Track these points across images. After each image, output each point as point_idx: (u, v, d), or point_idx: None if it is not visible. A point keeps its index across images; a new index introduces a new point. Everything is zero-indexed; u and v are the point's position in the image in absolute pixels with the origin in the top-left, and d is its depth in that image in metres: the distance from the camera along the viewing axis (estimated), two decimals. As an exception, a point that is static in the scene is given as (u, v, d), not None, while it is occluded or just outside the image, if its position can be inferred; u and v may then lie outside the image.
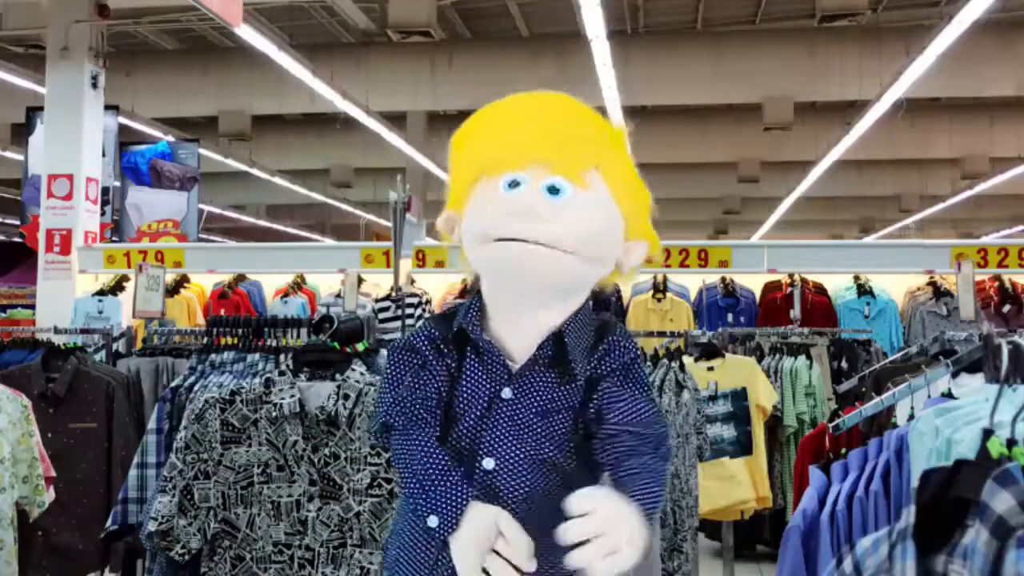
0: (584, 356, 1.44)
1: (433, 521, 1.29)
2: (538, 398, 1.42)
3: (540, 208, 1.33)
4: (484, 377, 1.43)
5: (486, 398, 1.42)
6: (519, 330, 1.44)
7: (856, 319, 6.85)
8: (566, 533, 1.21)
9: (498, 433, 1.40)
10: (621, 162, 1.44)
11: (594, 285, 1.44)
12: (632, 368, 1.47)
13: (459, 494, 1.30)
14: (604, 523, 1.21)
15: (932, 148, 14.44)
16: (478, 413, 1.41)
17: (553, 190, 1.35)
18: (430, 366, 1.44)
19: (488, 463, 1.39)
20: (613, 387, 1.44)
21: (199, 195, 10.81)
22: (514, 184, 1.36)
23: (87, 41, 8.15)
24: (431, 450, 1.36)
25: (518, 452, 1.40)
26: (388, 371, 1.47)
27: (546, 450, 1.41)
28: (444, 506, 1.29)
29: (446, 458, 1.35)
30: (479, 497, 1.35)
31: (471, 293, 1.51)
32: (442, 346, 1.45)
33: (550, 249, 1.33)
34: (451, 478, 1.32)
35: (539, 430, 1.41)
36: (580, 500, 1.23)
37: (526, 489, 1.38)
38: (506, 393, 1.42)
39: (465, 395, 1.43)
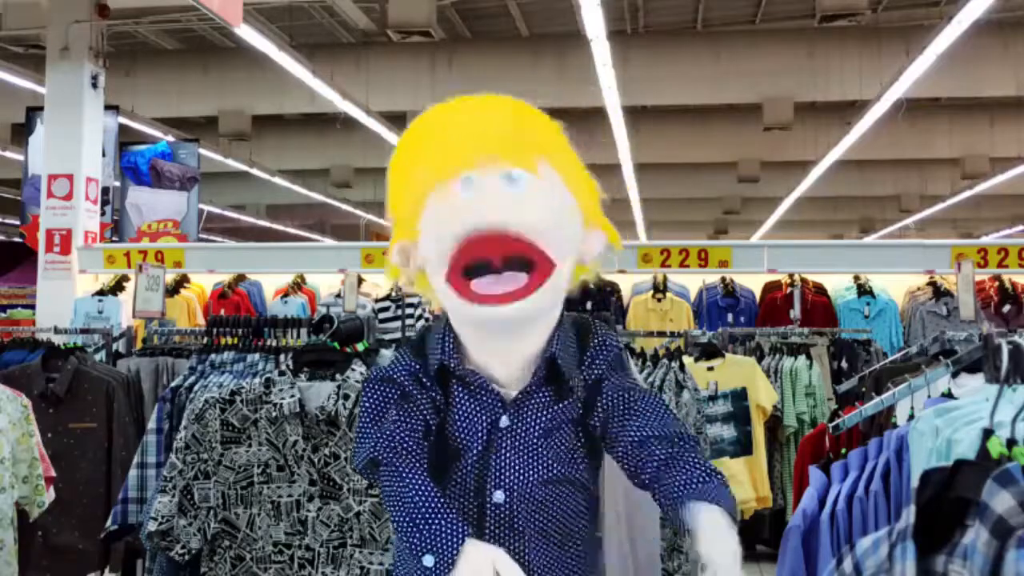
0: (575, 367, 1.42)
1: (429, 561, 1.26)
2: (538, 420, 1.40)
3: (502, 197, 1.31)
4: (477, 409, 1.39)
5: (484, 430, 1.39)
6: (503, 357, 1.41)
7: (856, 319, 6.84)
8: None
9: (503, 464, 1.38)
10: (567, 153, 1.43)
11: (565, 291, 1.41)
12: (619, 360, 1.47)
13: (454, 533, 1.26)
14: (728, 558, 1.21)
15: (932, 148, 14.44)
16: (479, 447, 1.38)
17: (509, 179, 1.33)
18: (412, 398, 1.40)
19: (498, 496, 1.36)
20: (620, 395, 1.42)
21: (199, 195, 10.80)
22: (468, 182, 1.33)
23: (87, 41, 8.14)
24: (423, 486, 1.31)
25: (527, 478, 1.38)
26: (367, 404, 1.42)
27: (554, 469, 1.39)
28: (439, 545, 1.25)
29: (439, 494, 1.30)
30: (493, 531, 1.34)
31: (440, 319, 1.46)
32: (423, 378, 1.41)
33: (518, 304, 1.30)
34: (446, 516, 1.27)
35: (544, 451, 1.39)
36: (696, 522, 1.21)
37: (541, 512, 1.36)
38: (504, 422, 1.39)
39: (461, 429, 1.39)
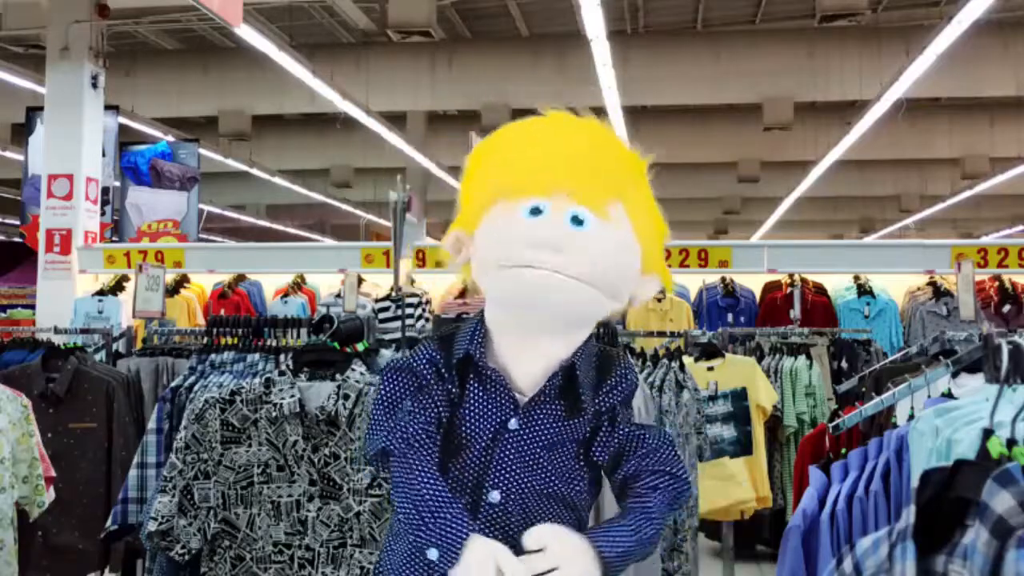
0: (591, 389, 1.42)
1: (433, 554, 1.27)
2: (545, 431, 1.40)
3: (563, 239, 1.31)
4: (489, 406, 1.40)
5: (492, 428, 1.39)
6: (525, 359, 1.41)
7: (856, 319, 6.85)
8: (518, 568, 1.25)
9: (505, 464, 1.38)
10: (643, 194, 1.42)
11: (600, 316, 1.42)
12: (631, 396, 1.49)
13: (460, 527, 1.27)
14: (556, 560, 1.26)
15: (932, 148, 14.45)
16: (484, 443, 1.39)
17: (576, 221, 1.32)
18: (429, 389, 1.41)
19: (494, 496, 1.37)
20: (635, 432, 1.45)
21: (199, 195, 10.81)
22: (536, 211, 1.33)
23: (87, 41, 8.15)
24: (431, 479, 1.32)
25: (525, 485, 1.38)
26: (383, 392, 1.43)
27: (553, 484, 1.40)
28: (444, 539, 1.27)
29: (446, 488, 1.32)
30: (484, 531, 1.33)
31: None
32: (443, 370, 1.42)
33: (574, 280, 1.31)
34: (452, 510, 1.29)
35: (546, 463, 1.40)
36: (535, 535, 1.28)
37: (534, 523, 1.36)
38: (512, 424, 1.39)
39: (469, 424, 1.40)
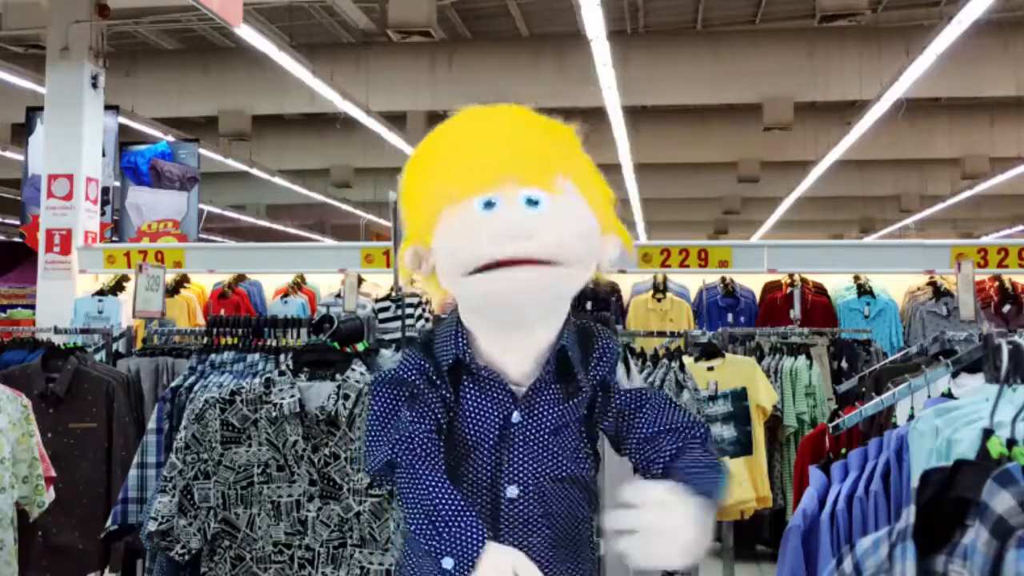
0: (581, 366, 1.44)
1: (448, 563, 1.26)
2: (549, 416, 1.41)
3: (524, 223, 1.32)
4: (489, 404, 1.40)
5: (496, 425, 1.40)
6: (514, 351, 1.42)
7: (856, 319, 6.84)
8: (614, 520, 1.22)
9: (516, 458, 1.39)
10: (582, 160, 1.44)
11: (577, 289, 1.43)
12: (616, 364, 1.51)
13: (474, 535, 1.27)
14: (652, 517, 1.21)
15: (932, 148, 14.43)
16: (492, 442, 1.40)
17: (531, 202, 1.33)
18: (423, 397, 1.40)
19: (512, 491, 1.38)
20: (630, 395, 1.46)
21: (199, 195, 10.80)
22: (490, 204, 1.33)
23: (87, 41, 8.14)
24: (442, 488, 1.31)
25: (539, 474, 1.39)
26: (377, 407, 1.43)
27: (564, 466, 1.41)
28: (460, 548, 1.26)
29: (459, 496, 1.31)
30: (505, 526, 1.35)
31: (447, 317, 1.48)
32: (433, 376, 1.42)
33: (541, 269, 1.31)
34: (466, 519, 1.28)
35: (555, 448, 1.41)
36: (634, 491, 1.24)
37: (552, 509, 1.38)
38: (516, 417, 1.40)
39: (473, 425, 1.40)
